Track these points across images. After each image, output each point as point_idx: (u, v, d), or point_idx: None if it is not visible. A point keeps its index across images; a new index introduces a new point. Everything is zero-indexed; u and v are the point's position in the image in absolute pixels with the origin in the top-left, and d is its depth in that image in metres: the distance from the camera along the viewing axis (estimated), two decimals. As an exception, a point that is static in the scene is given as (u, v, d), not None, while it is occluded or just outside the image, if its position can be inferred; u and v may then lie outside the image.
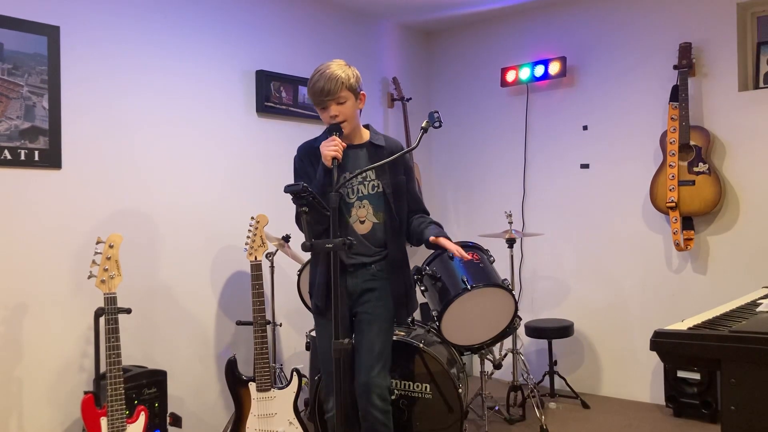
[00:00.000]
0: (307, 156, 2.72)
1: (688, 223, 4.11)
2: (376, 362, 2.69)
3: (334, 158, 2.48)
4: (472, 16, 5.08)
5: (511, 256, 4.20)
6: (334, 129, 2.59)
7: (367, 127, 2.80)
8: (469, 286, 3.45)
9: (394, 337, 3.11)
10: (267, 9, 4.25)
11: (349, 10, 4.80)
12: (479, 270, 3.60)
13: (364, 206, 2.70)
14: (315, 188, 2.56)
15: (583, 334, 4.67)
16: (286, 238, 3.73)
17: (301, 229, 2.61)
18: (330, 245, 2.16)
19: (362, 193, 2.70)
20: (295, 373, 3.31)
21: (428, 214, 2.90)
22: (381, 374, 2.69)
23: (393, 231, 2.73)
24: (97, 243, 2.84)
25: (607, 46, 4.58)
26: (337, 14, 4.73)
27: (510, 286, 3.66)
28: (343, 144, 2.56)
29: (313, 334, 3.74)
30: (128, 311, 2.99)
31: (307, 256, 3.71)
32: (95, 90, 3.41)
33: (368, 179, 2.70)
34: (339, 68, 2.63)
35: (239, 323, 3.69)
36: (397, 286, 2.74)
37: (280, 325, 4.10)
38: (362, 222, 2.70)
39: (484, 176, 5.21)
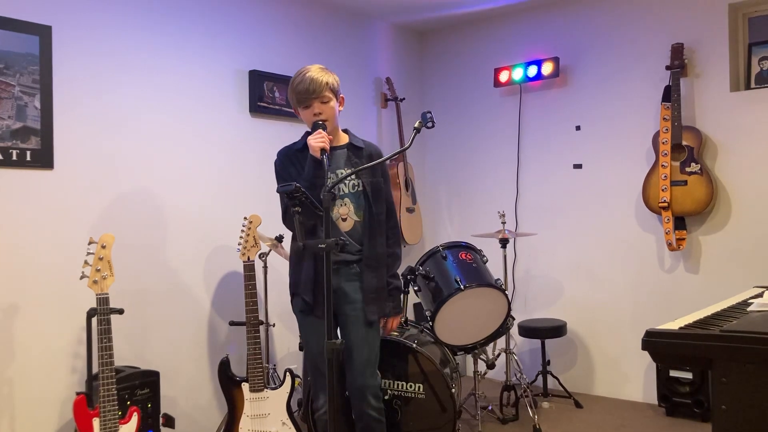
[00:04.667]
0: (288, 158, 2.81)
1: (680, 223, 4.13)
2: (367, 364, 2.76)
3: (322, 149, 2.57)
4: (465, 16, 5.09)
5: (504, 256, 4.21)
6: (317, 127, 2.69)
7: (345, 131, 2.90)
8: (462, 286, 3.46)
9: (387, 337, 3.12)
10: (260, 9, 4.25)
11: (343, 10, 4.80)
12: (472, 270, 3.61)
13: (345, 204, 2.77)
14: (303, 183, 2.62)
15: (576, 333, 4.68)
16: (279, 239, 3.73)
17: (289, 228, 2.66)
18: (323, 245, 2.16)
19: (343, 191, 2.78)
20: (288, 373, 3.31)
21: (398, 227, 2.96)
22: (373, 375, 2.79)
23: (371, 230, 2.79)
24: (89, 243, 2.83)
25: (599, 46, 4.59)
26: (331, 14, 4.73)
27: (503, 286, 3.67)
28: (330, 137, 2.67)
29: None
30: (121, 312, 2.98)
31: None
32: (87, 90, 3.40)
33: (349, 178, 2.77)
34: (322, 71, 2.76)
35: (232, 324, 3.68)
36: (367, 282, 2.77)
37: (273, 325, 4.09)
38: (344, 220, 2.77)
39: (477, 176, 5.22)
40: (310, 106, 2.72)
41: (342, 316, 2.79)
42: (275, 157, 2.86)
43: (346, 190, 2.78)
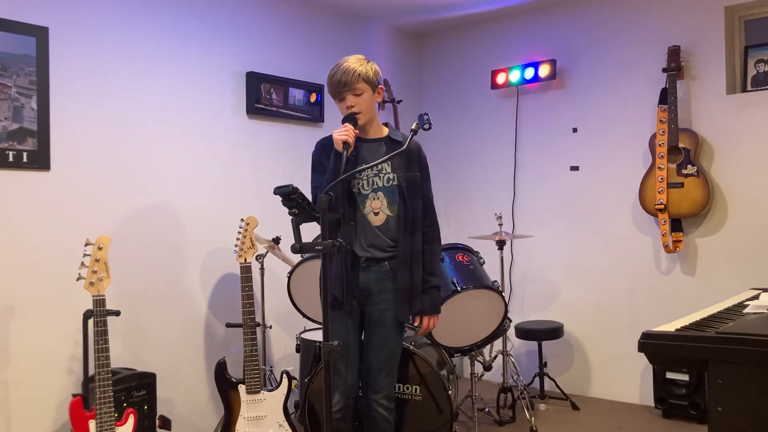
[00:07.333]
0: (323, 149, 2.75)
1: (676, 225, 4.14)
2: (385, 363, 2.74)
3: (345, 143, 2.54)
4: (462, 18, 5.10)
5: (501, 258, 4.21)
6: (349, 119, 2.64)
7: (386, 124, 2.85)
8: (459, 288, 3.46)
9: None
10: (257, 10, 4.25)
11: (340, 12, 4.81)
12: (469, 272, 3.61)
13: (378, 198, 2.71)
14: (328, 176, 2.62)
15: (573, 335, 4.68)
16: (276, 240, 3.73)
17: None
18: (320, 247, 2.16)
19: (377, 185, 2.72)
20: (284, 375, 3.30)
21: (436, 224, 2.89)
22: (389, 375, 2.76)
23: (406, 226, 2.72)
24: (86, 245, 2.82)
25: (596, 48, 4.60)
26: (328, 16, 4.73)
27: (500, 288, 3.67)
28: (356, 131, 2.61)
29: (303, 336, 3.75)
30: (117, 313, 2.97)
31: (297, 258, 3.71)
32: (84, 91, 3.39)
33: (384, 172, 2.72)
34: (357, 62, 2.70)
35: (229, 325, 3.67)
36: (402, 280, 2.70)
37: (270, 327, 4.09)
38: (376, 214, 2.72)
39: (474, 178, 5.22)
40: (343, 99, 2.67)
41: (367, 315, 2.75)
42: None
43: (380, 184, 2.71)
